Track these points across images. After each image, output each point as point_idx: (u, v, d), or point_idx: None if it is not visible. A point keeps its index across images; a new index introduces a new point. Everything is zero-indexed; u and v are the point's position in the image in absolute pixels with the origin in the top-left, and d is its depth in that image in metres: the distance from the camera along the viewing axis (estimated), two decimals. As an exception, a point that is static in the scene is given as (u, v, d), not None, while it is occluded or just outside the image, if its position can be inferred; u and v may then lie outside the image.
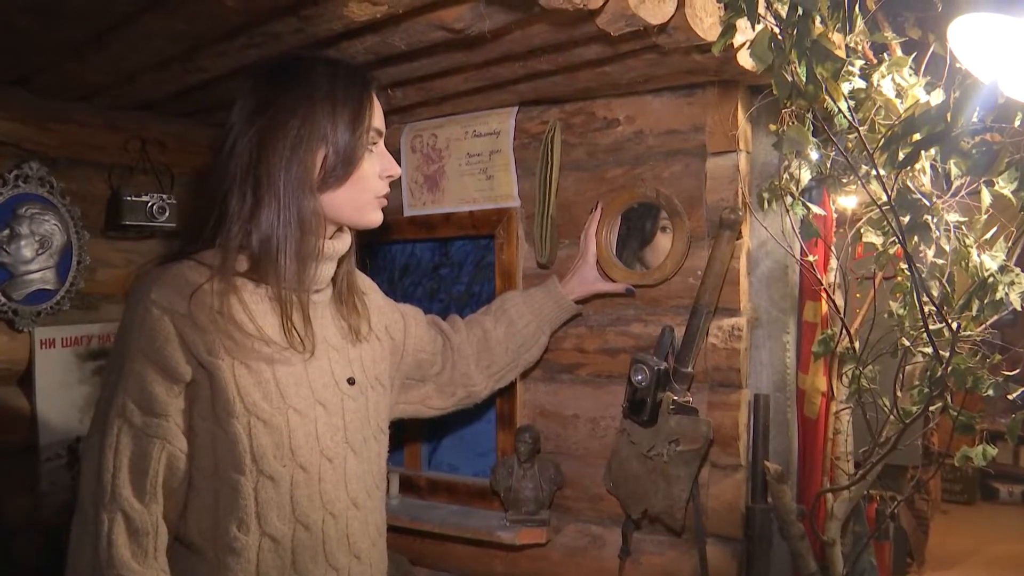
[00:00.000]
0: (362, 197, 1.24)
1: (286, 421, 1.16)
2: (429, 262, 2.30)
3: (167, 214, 2.02)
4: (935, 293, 1.42)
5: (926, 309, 1.35)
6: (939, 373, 1.35)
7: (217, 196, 1.17)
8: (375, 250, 2.36)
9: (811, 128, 1.43)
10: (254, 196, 1.16)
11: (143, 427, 1.09)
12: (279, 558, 1.16)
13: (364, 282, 1.46)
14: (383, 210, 1.29)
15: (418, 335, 1.58)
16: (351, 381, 1.28)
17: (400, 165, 2.10)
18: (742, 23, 1.31)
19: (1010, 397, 1.39)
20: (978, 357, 1.40)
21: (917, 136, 1.18)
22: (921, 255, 1.45)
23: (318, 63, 1.23)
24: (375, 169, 1.25)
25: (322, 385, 1.23)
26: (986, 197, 1.36)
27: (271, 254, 1.16)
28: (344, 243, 1.28)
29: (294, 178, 1.16)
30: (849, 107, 1.30)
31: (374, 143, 1.25)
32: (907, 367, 1.56)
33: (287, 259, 1.16)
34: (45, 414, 1.89)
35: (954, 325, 1.32)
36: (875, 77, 1.40)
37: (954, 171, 1.30)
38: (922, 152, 1.21)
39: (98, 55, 1.54)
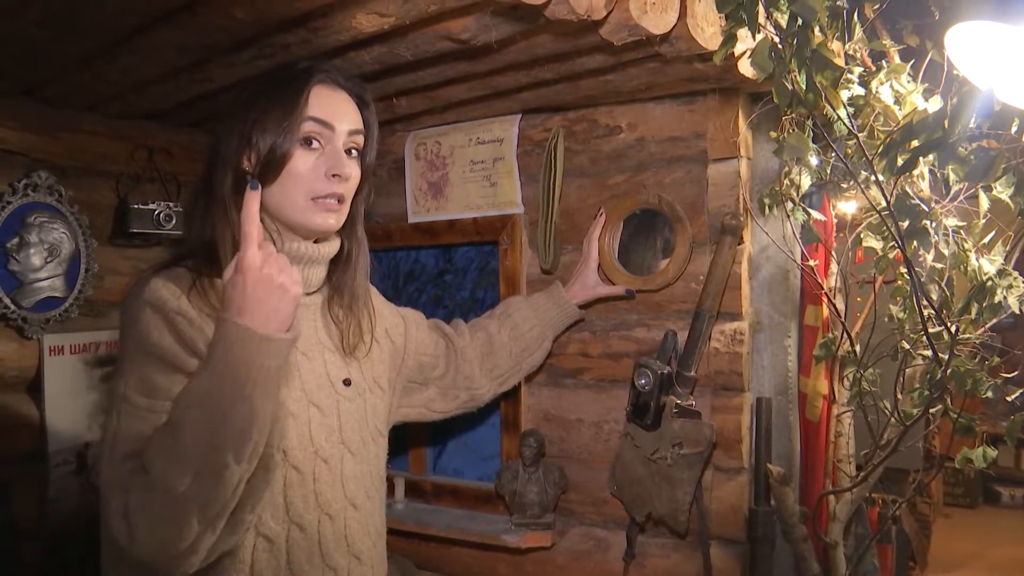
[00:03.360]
0: (297, 196, 1.18)
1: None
2: (433, 268, 2.31)
3: (174, 222, 2.03)
4: (934, 297, 1.44)
5: (926, 313, 1.37)
6: (939, 376, 1.37)
7: (195, 204, 1.22)
8: (379, 257, 2.38)
9: (811, 135, 1.45)
10: (205, 197, 1.19)
11: (147, 408, 1.07)
12: (274, 558, 1.16)
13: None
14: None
15: (419, 338, 1.59)
16: (347, 382, 1.30)
17: (405, 172, 2.13)
18: (743, 33, 1.33)
19: (1009, 399, 1.41)
20: (977, 360, 1.42)
21: (915, 142, 1.19)
22: (920, 259, 1.46)
23: (279, 65, 1.25)
24: (318, 168, 1.18)
25: (316, 386, 1.24)
26: (984, 202, 1.38)
27: (211, 247, 1.16)
28: (331, 247, 1.28)
29: (229, 173, 1.18)
30: (848, 114, 1.31)
31: (312, 138, 1.19)
32: (907, 370, 1.57)
33: (224, 250, 1.14)
34: (54, 421, 1.90)
35: (953, 328, 1.33)
36: (874, 84, 1.41)
37: (952, 176, 1.32)
38: (920, 158, 1.23)
39: (108, 67, 1.55)
